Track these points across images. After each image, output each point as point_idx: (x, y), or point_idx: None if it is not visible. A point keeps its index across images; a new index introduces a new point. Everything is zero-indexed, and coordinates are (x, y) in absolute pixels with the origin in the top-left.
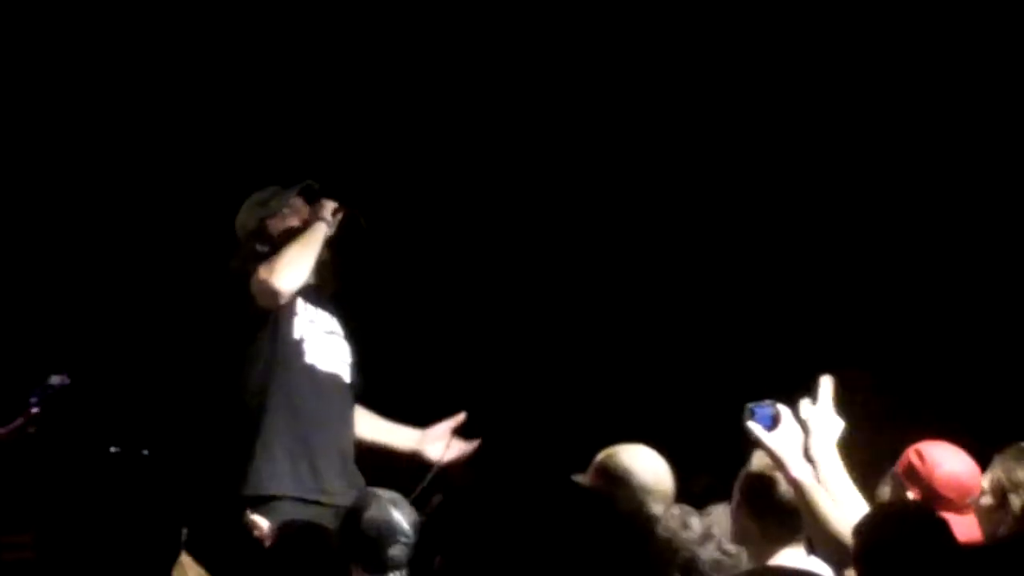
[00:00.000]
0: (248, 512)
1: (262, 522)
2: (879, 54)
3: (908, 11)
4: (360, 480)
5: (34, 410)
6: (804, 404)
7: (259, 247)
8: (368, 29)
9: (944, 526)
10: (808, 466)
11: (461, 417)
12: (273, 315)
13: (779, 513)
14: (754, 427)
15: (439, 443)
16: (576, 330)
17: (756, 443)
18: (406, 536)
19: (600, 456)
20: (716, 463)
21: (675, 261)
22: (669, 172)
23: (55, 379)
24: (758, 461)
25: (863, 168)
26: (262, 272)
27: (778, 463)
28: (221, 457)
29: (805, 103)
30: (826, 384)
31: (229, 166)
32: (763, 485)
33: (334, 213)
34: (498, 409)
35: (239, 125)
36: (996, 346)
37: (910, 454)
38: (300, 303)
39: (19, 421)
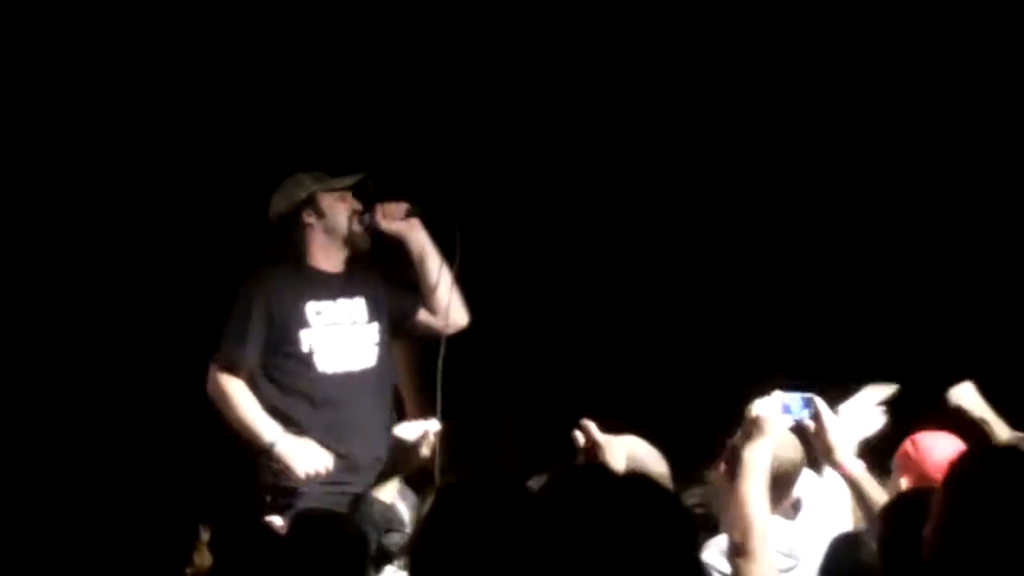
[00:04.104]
0: (268, 500)
1: (277, 521)
2: (883, 55)
3: (908, 13)
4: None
5: None
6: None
7: (307, 218)
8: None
9: None
10: (860, 461)
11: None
12: (279, 331)
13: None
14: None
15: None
16: (586, 321)
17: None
18: (405, 526)
19: None
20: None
21: (688, 254)
22: (697, 170)
23: None
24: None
25: (874, 168)
26: None
27: (828, 455)
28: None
29: (834, 109)
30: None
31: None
32: None
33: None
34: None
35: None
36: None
37: (906, 443)
38: (311, 311)
39: None
